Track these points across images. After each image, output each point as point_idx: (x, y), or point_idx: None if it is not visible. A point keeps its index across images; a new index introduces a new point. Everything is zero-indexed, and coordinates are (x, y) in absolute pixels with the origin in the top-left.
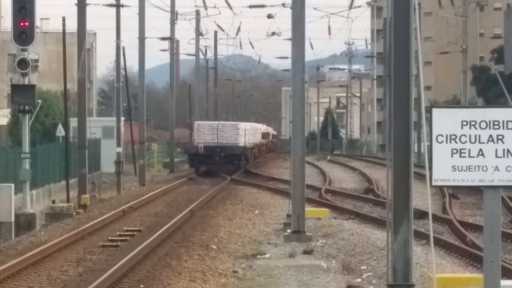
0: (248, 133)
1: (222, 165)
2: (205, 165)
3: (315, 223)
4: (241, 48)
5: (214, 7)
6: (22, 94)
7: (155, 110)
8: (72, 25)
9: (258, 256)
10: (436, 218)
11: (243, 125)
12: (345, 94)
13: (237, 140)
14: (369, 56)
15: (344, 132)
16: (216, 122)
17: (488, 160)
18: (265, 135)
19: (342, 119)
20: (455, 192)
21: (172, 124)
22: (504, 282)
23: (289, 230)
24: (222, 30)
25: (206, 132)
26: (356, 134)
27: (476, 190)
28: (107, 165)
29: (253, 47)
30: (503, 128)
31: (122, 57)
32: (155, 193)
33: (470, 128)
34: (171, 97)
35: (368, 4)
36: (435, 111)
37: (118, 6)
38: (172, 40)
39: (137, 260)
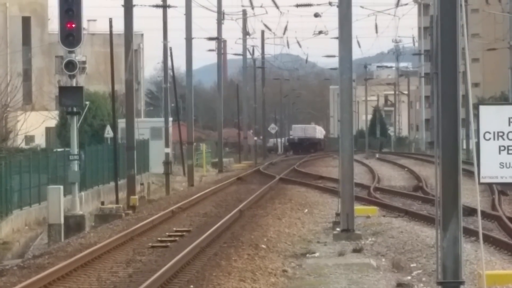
0: (319, 131)
1: (308, 149)
2: (298, 149)
3: (364, 221)
4: (288, 47)
5: (261, 6)
6: (70, 96)
7: (203, 110)
8: (119, 26)
9: (307, 255)
10: (485, 215)
11: (318, 127)
12: (393, 92)
13: (315, 135)
14: (417, 54)
15: (393, 130)
16: (304, 125)
17: None
18: (324, 135)
19: (390, 117)
20: (504, 188)
21: (220, 124)
22: None
23: (338, 229)
24: (269, 29)
25: (299, 130)
26: (404, 132)
27: None
28: (156, 166)
29: (300, 46)
30: None
31: (169, 58)
32: (204, 193)
33: None
34: (219, 97)
35: (415, 1)
36: (482, 108)
37: (165, 6)
38: (219, 40)
39: (187, 261)
